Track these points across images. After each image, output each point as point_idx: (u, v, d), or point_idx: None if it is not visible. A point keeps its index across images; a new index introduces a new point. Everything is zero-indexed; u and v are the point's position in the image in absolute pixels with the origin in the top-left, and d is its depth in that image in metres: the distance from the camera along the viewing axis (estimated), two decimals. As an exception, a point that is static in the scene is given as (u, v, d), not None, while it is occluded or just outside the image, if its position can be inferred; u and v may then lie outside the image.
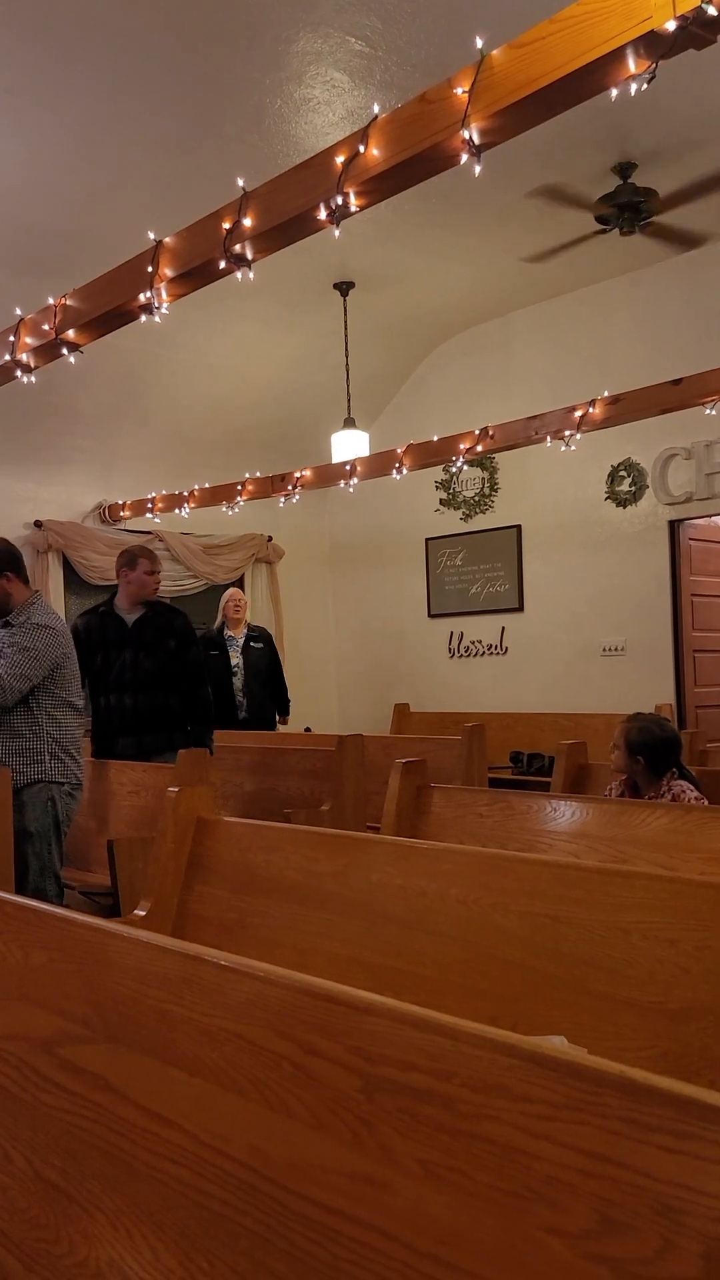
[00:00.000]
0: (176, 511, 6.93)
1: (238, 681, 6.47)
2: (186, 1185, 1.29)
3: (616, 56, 2.10)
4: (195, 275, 3.19)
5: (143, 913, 2.72)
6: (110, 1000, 1.51)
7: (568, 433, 5.35)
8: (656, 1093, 0.93)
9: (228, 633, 6.55)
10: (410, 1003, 1.18)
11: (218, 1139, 1.28)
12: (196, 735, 4.82)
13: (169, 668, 4.76)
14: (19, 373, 3.97)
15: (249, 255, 3.02)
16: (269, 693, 6.61)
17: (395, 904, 2.32)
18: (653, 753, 3.42)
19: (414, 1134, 1.09)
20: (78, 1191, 1.43)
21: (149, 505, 7.02)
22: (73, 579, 7.13)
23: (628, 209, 5.15)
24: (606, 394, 5.19)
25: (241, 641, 6.55)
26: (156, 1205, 1.32)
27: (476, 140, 2.38)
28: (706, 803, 3.36)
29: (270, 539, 8.11)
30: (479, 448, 5.80)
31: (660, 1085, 0.93)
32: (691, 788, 3.41)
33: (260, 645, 6.63)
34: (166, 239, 3.20)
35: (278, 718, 6.73)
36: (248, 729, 6.26)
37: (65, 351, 3.74)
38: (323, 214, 2.75)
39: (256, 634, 6.69)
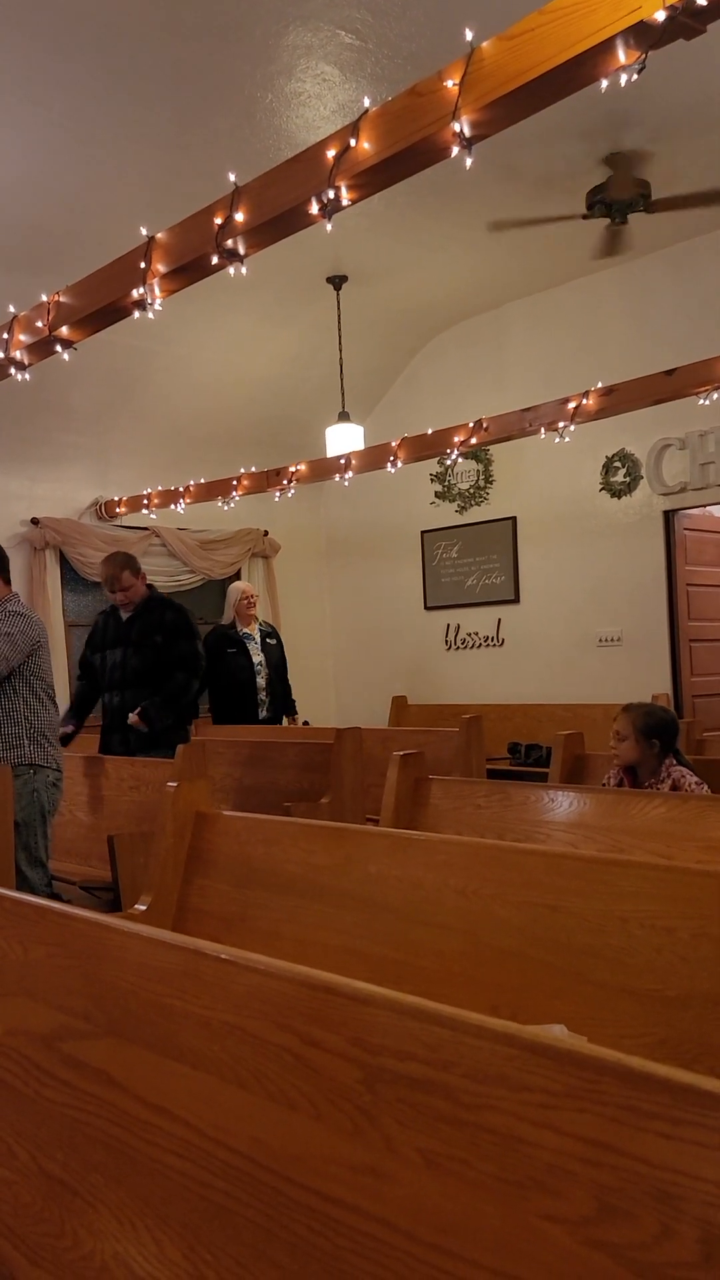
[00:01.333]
0: (172, 507, 6.93)
1: (261, 680, 6.25)
2: (189, 1178, 1.30)
3: (606, 47, 2.10)
4: (188, 271, 3.19)
5: (143, 907, 2.74)
6: (111, 994, 1.51)
7: (562, 424, 5.35)
8: (654, 1080, 0.93)
9: (242, 629, 6.32)
10: (410, 994, 1.19)
11: (220, 1131, 1.29)
12: (152, 706, 4.72)
13: (156, 665, 4.75)
14: (13, 370, 3.97)
15: (241, 250, 3.01)
16: (284, 690, 6.48)
17: (394, 895, 2.33)
18: (665, 734, 3.45)
19: (414, 1124, 1.10)
20: (81, 1186, 1.44)
21: (145, 501, 7.01)
22: (70, 575, 7.13)
23: (619, 199, 5.14)
24: (600, 385, 5.19)
25: (259, 638, 6.34)
26: (160, 1198, 1.33)
27: (467, 133, 2.38)
28: (706, 788, 3.37)
29: (266, 533, 8.11)
30: (473, 440, 5.80)
31: (658, 1073, 0.94)
32: (691, 773, 3.42)
33: (274, 642, 6.44)
34: (159, 234, 3.19)
35: (285, 718, 6.55)
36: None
37: (59, 348, 3.74)
38: (315, 208, 2.75)
39: (269, 630, 6.52)
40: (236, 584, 6.60)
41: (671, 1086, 0.92)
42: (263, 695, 6.25)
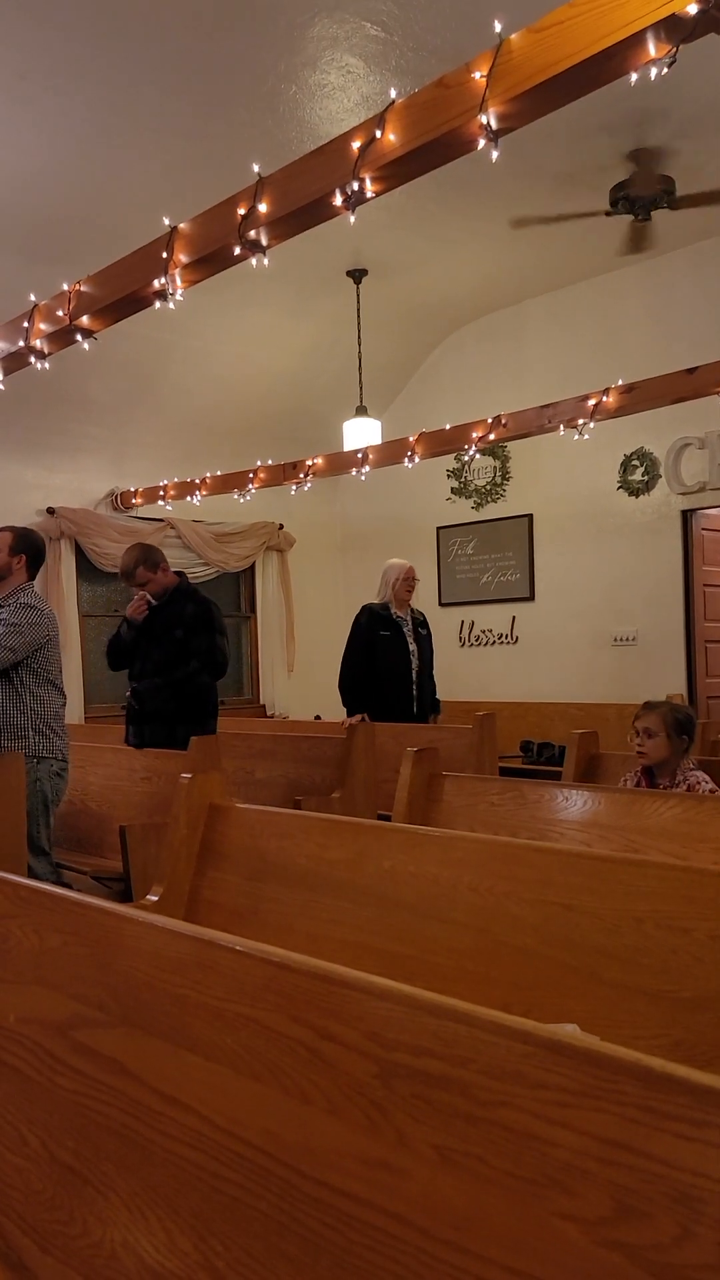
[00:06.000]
0: (188, 499, 6.93)
1: (413, 672, 5.55)
2: (201, 1169, 1.30)
3: (636, 41, 2.09)
4: (210, 261, 3.18)
5: (155, 898, 2.73)
6: (125, 984, 1.51)
7: (581, 421, 5.33)
8: (674, 1081, 0.92)
9: (396, 613, 5.59)
10: (422, 990, 1.18)
11: (232, 1123, 1.29)
12: (148, 684, 4.59)
13: (176, 659, 4.67)
14: (33, 359, 3.97)
15: (264, 241, 3.01)
16: (432, 686, 5.80)
17: (407, 891, 2.32)
18: (692, 731, 3.46)
19: (429, 1120, 1.09)
20: (92, 1174, 1.44)
21: (161, 493, 7.02)
22: (85, 566, 7.14)
23: (643, 196, 5.11)
24: (620, 383, 5.17)
25: (411, 625, 5.63)
26: (171, 1188, 1.33)
27: (494, 125, 2.37)
28: None
29: (281, 527, 8.11)
30: (492, 436, 5.78)
31: (677, 1073, 0.93)
32: (707, 778, 3.41)
33: (425, 632, 5.73)
34: (181, 225, 3.19)
35: (431, 717, 5.78)
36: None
37: (79, 338, 3.74)
38: (338, 200, 2.74)
39: (421, 618, 5.78)
40: (395, 561, 5.79)
41: (692, 1088, 0.91)
42: (414, 690, 5.55)
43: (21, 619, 3.81)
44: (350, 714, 5.46)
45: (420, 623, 5.72)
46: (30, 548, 4.01)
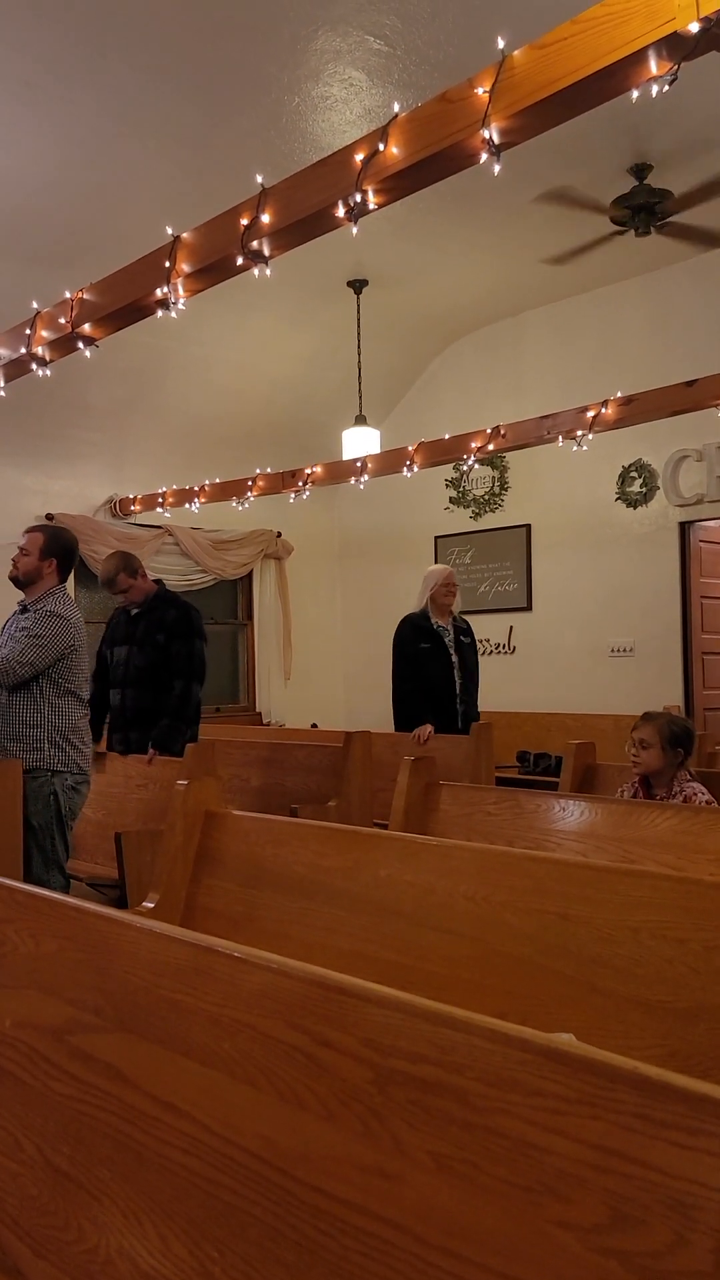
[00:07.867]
0: (187, 506, 6.94)
1: (455, 686, 5.28)
2: (196, 1175, 1.30)
3: (638, 58, 2.10)
4: (212, 271, 3.20)
5: (151, 904, 2.73)
6: (121, 990, 1.51)
7: (579, 433, 5.34)
8: (669, 1089, 0.93)
9: (437, 622, 5.30)
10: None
11: (229, 1129, 1.29)
12: (161, 732, 4.51)
13: (159, 664, 4.68)
14: (34, 365, 3.98)
15: (266, 252, 3.02)
16: (474, 697, 5.48)
17: (403, 900, 2.32)
18: (688, 744, 3.46)
19: (425, 1126, 1.10)
20: (88, 1179, 1.44)
21: (159, 500, 7.03)
22: (83, 572, 7.13)
23: (643, 210, 5.14)
24: (619, 394, 5.19)
25: (453, 634, 5.36)
26: (166, 1194, 1.33)
27: (496, 140, 2.38)
28: (717, 805, 3.36)
29: (279, 535, 8.12)
30: (491, 446, 5.80)
31: (673, 1082, 0.93)
32: (704, 790, 3.41)
33: (468, 640, 5.44)
34: (184, 234, 3.20)
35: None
36: None
37: (81, 345, 3.75)
38: (341, 211, 2.76)
39: (464, 626, 5.47)
40: (434, 566, 5.53)
41: (688, 1096, 0.91)
42: (459, 704, 5.29)
43: (44, 629, 3.65)
44: (413, 727, 5.16)
45: (463, 630, 5.45)
46: (62, 551, 3.84)
